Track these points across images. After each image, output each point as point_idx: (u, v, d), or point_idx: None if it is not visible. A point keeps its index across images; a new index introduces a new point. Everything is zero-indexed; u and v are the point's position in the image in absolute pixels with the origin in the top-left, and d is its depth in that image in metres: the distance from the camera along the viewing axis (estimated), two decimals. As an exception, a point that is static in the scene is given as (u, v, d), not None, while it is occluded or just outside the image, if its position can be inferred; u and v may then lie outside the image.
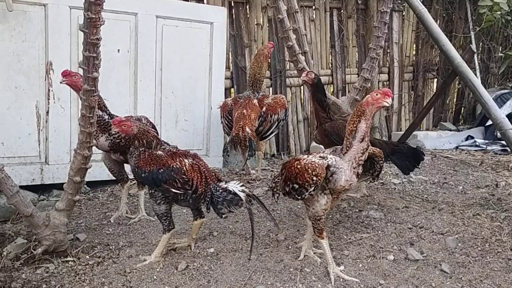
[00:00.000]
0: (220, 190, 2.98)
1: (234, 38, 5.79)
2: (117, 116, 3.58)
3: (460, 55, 5.43)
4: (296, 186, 2.84)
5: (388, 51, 7.23)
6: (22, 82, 4.16)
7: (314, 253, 3.16)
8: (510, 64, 8.01)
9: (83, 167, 2.99)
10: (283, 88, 6.18)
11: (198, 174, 2.97)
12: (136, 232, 3.51)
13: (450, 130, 7.66)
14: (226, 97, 5.58)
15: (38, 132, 4.29)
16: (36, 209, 2.99)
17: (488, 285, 2.88)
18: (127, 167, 3.84)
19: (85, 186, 4.38)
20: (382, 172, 3.58)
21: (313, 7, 6.44)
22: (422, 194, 4.54)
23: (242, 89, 5.77)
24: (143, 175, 2.97)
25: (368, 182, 3.40)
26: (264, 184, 4.66)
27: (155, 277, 2.88)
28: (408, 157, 3.93)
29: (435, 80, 7.93)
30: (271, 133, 4.75)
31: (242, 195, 2.94)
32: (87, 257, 3.10)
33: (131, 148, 3.08)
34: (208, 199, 2.97)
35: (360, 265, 3.08)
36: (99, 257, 3.11)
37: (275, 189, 3.19)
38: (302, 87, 6.34)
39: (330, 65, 6.72)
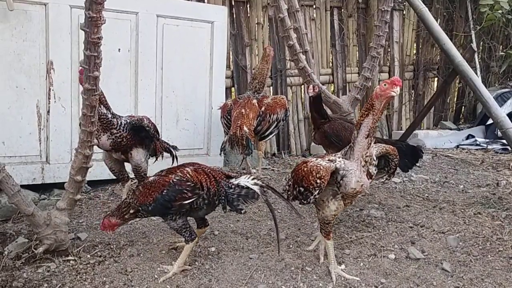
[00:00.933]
0: (233, 187, 2.91)
1: (234, 37, 5.79)
2: (119, 116, 3.58)
3: (461, 54, 5.44)
4: (302, 189, 2.81)
5: (389, 50, 7.23)
6: (23, 81, 4.16)
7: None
8: (510, 63, 8.01)
9: (84, 166, 2.99)
10: (284, 87, 6.18)
11: (205, 176, 2.89)
12: (137, 231, 3.51)
13: (451, 129, 7.66)
14: (226, 96, 5.59)
15: (39, 131, 4.29)
16: (37, 208, 2.99)
17: (489, 283, 2.88)
18: (127, 166, 3.86)
19: (86, 185, 4.37)
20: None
21: (314, 6, 6.44)
22: (423, 193, 4.55)
23: (243, 88, 5.78)
24: (150, 208, 2.85)
25: (384, 180, 3.37)
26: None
27: (156, 276, 2.88)
28: (407, 155, 3.93)
29: (436, 79, 7.93)
30: (270, 133, 4.73)
31: (256, 188, 2.89)
32: (88, 256, 3.10)
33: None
34: (223, 198, 2.89)
35: (361, 264, 3.08)
36: (100, 256, 3.11)
37: (289, 192, 3.08)
38: (302, 86, 6.34)
39: (331, 64, 6.72)
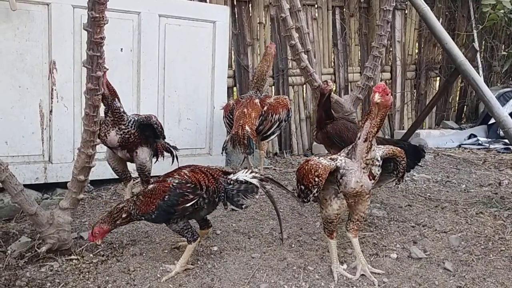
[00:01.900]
0: (232, 182, 2.91)
1: (236, 37, 5.79)
2: (125, 113, 3.57)
3: (463, 54, 5.43)
4: (303, 187, 2.83)
5: (391, 49, 7.22)
6: (25, 81, 4.17)
7: (371, 272, 2.95)
8: (513, 63, 8.01)
9: (87, 166, 3.00)
10: (286, 87, 6.18)
11: (202, 174, 2.90)
12: (140, 231, 3.52)
13: (453, 128, 7.65)
14: (228, 96, 5.59)
15: (42, 131, 4.30)
16: (40, 207, 3.00)
17: (491, 283, 2.89)
18: (130, 166, 3.86)
19: (89, 185, 4.38)
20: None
21: (316, 5, 6.44)
22: (425, 193, 4.55)
23: (245, 88, 5.78)
24: (154, 216, 2.84)
25: (394, 184, 3.34)
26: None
27: (158, 275, 2.89)
28: (409, 155, 3.91)
29: (438, 78, 7.92)
30: (272, 133, 4.71)
31: (255, 181, 2.89)
32: (91, 255, 3.11)
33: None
34: (223, 195, 2.89)
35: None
36: (103, 256, 3.12)
37: (296, 192, 3.09)
38: (304, 85, 6.34)
39: (333, 64, 6.71)
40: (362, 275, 2.91)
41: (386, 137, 6.94)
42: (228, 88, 5.54)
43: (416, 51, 7.69)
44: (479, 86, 5.05)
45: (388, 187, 4.64)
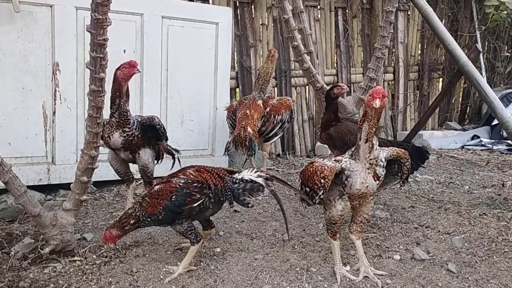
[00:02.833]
0: (238, 181, 2.90)
1: (239, 38, 5.79)
2: (131, 116, 3.56)
3: (466, 55, 5.42)
4: (308, 189, 2.82)
5: (393, 50, 7.22)
6: (29, 82, 4.18)
7: (374, 274, 2.94)
8: (516, 64, 7.99)
9: (90, 167, 3.01)
10: (288, 88, 6.18)
11: (208, 174, 2.90)
12: (143, 232, 3.52)
13: (456, 129, 7.64)
14: (231, 97, 5.60)
15: (45, 132, 4.31)
16: (43, 209, 3.01)
17: (495, 284, 2.88)
18: (132, 167, 3.86)
19: (92, 186, 4.39)
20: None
21: (318, 6, 6.44)
22: (428, 194, 4.54)
23: (247, 89, 5.78)
24: (160, 217, 2.82)
25: (399, 186, 3.33)
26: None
27: (161, 276, 2.89)
28: (413, 156, 3.90)
29: (441, 79, 7.91)
30: (275, 134, 4.72)
31: (260, 180, 2.88)
32: (94, 256, 3.12)
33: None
34: (229, 194, 2.88)
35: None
36: (106, 257, 3.12)
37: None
38: (307, 87, 6.34)
39: (335, 65, 6.71)
40: (365, 276, 2.90)
41: (389, 138, 6.93)
42: (231, 89, 5.55)
43: (419, 52, 7.69)
44: (482, 87, 5.03)
45: (391, 189, 4.63)
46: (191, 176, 2.86)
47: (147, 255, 3.15)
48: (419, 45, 7.67)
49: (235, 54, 5.76)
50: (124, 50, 4.56)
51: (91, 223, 3.76)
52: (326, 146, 4.47)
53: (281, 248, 3.31)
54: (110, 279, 2.84)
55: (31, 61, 4.17)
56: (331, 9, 6.53)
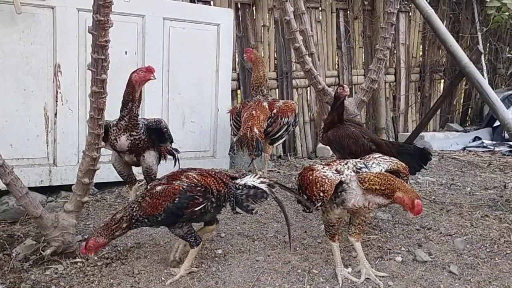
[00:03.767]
0: (241, 187, 2.87)
1: (240, 39, 5.80)
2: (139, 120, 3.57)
3: (467, 56, 5.42)
4: (305, 197, 2.81)
5: (395, 52, 7.21)
6: (30, 84, 4.18)
7: (375, 275, 2.92)
8: (517, 65, 7.98)
9: (91, 169, 3.01)
10: (290, 90, 6.18)
11: (212, 178, 2.86)
12: (144, 233, 3.52)
13: (457, 131, 7.63)
14: (232, 98, 5.60)
15: (46, 133, 4.31)
16: (45, 210, 3.01)
17: (497, 286, 2.87)
18: (134, 169, 3.86)
19: (93, 187, 4.38)
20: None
21: (320, 8, 6.44)
22: (429, 195, 4.53)
23: (249, 90, 5.77)
24: (160, 218, 2.77)
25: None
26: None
27: (163, 278, 2.89)
28: (415, 158, 3.90)
29: (442, 81, 7.91)
30: (280, 137, 4.70)
31: (263, 186, 2.85)
32: (96, 258, 3.11)
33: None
34: (232, 199, 2.85)
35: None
36: (107, 258, 3.12)
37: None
38: (308, 88, 6.34)
39: (337, 66, 6.72)
40: (367, 278, 2.90)
41: (391, 139, 6.93)
42: (232, 90, 5.55)
43: (420, 53, 7.68)
44: (484, 89, 5.03)
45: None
46: (194, 180, 2.83)
47: (148, 257, 3.15)
48: (421, 46, 7.66)
49: (237, 55, 5.76)
50: (126, 52, 4.57)
51: (93, 224, 3.76)
52: (328, 147, 4.47)
53: (283, 249, 3.31)
54: (112, 280, 2.84)
55: (33, 62, 4.18)
56: (332, 11, 6.53)
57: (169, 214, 2.77)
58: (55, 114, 4.31)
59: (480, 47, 6.90)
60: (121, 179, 3.93)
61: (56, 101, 4.30)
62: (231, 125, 4.82)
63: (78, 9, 4.26)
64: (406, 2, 7.11)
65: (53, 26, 4.22)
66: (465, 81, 7.64)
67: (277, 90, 6.12)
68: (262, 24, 5.95)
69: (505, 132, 6.64)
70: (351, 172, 2.75)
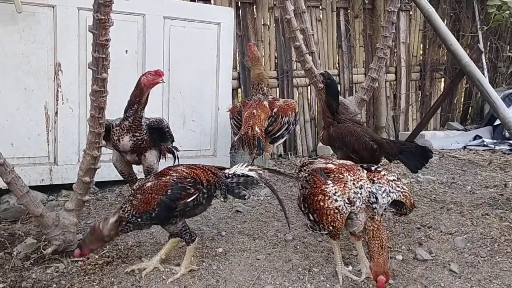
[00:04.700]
0: (231, 176, 2.93)
1: (241, 38, 5.79)
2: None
3: (468, 55, 5.41)
4: (312, 218, 2.76)
5: (395, 51, 7.21)
6: (31, 83, 4.19)
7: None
8: (518, 64, 7.97)
9: (92, 167, 3.01)
10: (290, 88, 6.18)
11: (200, 170, 2.92)
12: (145, 232, 3.52)
13: (458, 129, 7.62)
14: (233, 97, 5.60)
15: (47, 132, 4.31)
16: (46, 209, 3.01)
17: (497, 285, 2.88)
18: (135, 167, 3.87)
19: (94, 186, 4.38)
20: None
21: (320, 7, 6.43)
22: (430, 194, 4.53)
23: (249, 89, 5.78)
24: (154, 214, 2.76)
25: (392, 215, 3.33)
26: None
27: (163, 277, 2.89)
28: (416, 156, 3.90)
29: (443, 79, 7.90)
30: (281, 136, 4.71)
31: (253, 173, 2.92)
32: (96, 257, 3.12)
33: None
34: (224, 188, 2.89)
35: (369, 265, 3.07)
36: (108, 257, 3.13)
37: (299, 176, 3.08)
38: (309, 87, 6.34)
39: (337, 65, 6.71)
40: (368, 277, 2.90)
41: (391, 138, 6.93)
42: (232, 89, 5.55)
43: (421, 52, 7.67)
44: (485, 87, 5.03)
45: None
46: (183, 173, 2.87)
47: (149, 255, 3.15)
48: (421, 45, 7.65)
49: (237, 54, 5.76)
50: (126, 51, 4.57)
51: (93, 223, 3.75)
52: (328, 147, 4.46)
53: (283, 248, 3.31)
54: (113, 279, 2.85)
55: (33, 61, 4.18)
56: (333, 10, 6.53)
57: (162, 208, 2.76)
58: (56, 113, 4.32)
59: (481, 45, 6.90)
60: (122, 178, 3.93)
61: (57, 100, 4.31)
62: (231, 124, 4.82)
63: (78, 8, 4.26)
64: (406, 0, 7.10)
65: (54, 25, 4.22)
66: (466, 80, 7.63)
67: (277, 89, 6.11)
68: (262, 23, 5.94)
69: (506, 131, 6.65)
70: (362, 204, 2.70)
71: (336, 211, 2.66)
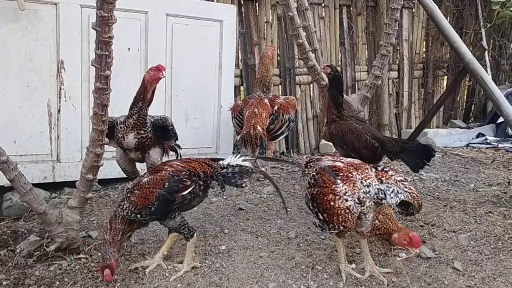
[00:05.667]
0: (226, 166, 3.00)
1: (243, 36, 5.78)
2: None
3: (471, 52, 5.39)
4: (321, 217, 2.75)
5: (398, 48, 7.19)
6: (34, 80, 4.19)
7: (379, 272, 2.92)
8: (521, 61, 7.95)
9: (95, 165, 3.01)
10: (293, 86, 6.17)
11: (195, 162, 2.96)
12: (148, 230, 3.52)
13: (461, 127, 7.61)
14: (235, 95, 5.59)
15: (50, 130, 4.31)
16: (49, 206, 3.01)
17: (501, 282, 2.87)
18: (138, 165, 3.86)
19: (96, 184, 4.40)
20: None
21: (323, 4, 6.42)
22: (433, 192, 4.52)
23: (252, 87, 5.77)
24: (153, 208, 2.75)
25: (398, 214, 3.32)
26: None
27: (167, 274, 2.89)
28: (418, 155, 3.88)
29: (445, 77, 7.88)
30: (282, 133, 4.73)
31: (247, 163, 3.02)
32: (99, 254, 3.11)
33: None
34: (220, 178, 2.95)
35: (372, 262, 3.07)
36: (111, 254, 3.12)
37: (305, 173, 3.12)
38: (311, 84, 6.33)
39: (340, 63, 6.69)
40: (371, 275, 2.89)
41: (394, 136, 6.91)
42: (235, 87, 5.54)
43: (424, 49, 7.65)
44: (488, 85, 5.01)
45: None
46: (178, 167, 2.89)
47: (152, 253, 3.15)
48: (424, 42, 7.63)
49: (240, 52, 5.75)
50: (129, 48, 4.56)
51: (96, 221, 3.77)
52: (331, 144, 4.45)
53: (286, 246, 3.31)
54: (116, 276, 2.84)
55: (36, 59, 4.18)
56: (335, 7, 6.51)
57: (161, 202, 2.76)
58: (59, 110, 4.31)
59: (484, 43, 6.85)
60: (125, 176, 3.94)
61: (60, 98, 4.30)
62: (233, 123, 4.83)
63: (81, 5, 4.25)
64: (409, -2, 7.09)
65: (56, 22, 4.22)
66: (469, 78, 7.62)
67: (280, 86, 6.10)
68: (265, 21, 5.93)
69: (509, 129, 6.64)
70: (371, 203, 2.70)
71: (347, 211, 2.64)
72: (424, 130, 6.53)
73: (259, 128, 4.44)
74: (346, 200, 2.67)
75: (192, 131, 5.06)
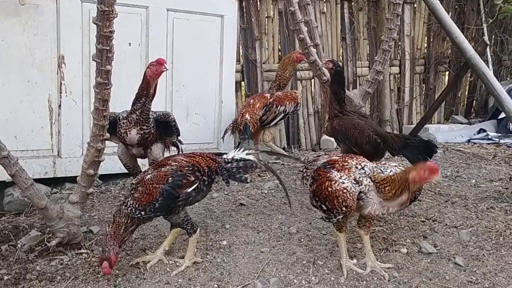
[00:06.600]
0: (230, 161, 2.99)
1: (244, 31, 5.76)
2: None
3: (473, 48, 5.38)
4: (324, 208, 2.78)
5: (400, 43, 7.17)
6: (34, 75, 4.18)
7: (381, 267, 2.92)
8: (523, 56, 7.93)
9: (96, 160, 3.01)
10: (294, 81, 6.15)
11: (199, 157, 2.94)
12: (149, 225, 3.51)
13: (462, 123, 7.60)
14: (236, 90, 5.57)
15: (51, 125, 4.31)
16: (50, 201, 3.01)
17: (502, 278, 2.87)
18: (139, 160, 3.86)
19: (97, 179, 4.38)
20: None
21: (324, -1, 6.40)
22: (434, 188, 4.51)
23: (253, 82, 5.77)
24: (157, 204, 2.73)
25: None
26: (275, 177, 4.65)
27: (168, 269, 2.89)
28: (420, 150, 3.86)
29: (447, 73, 7.86)
30: (275, 124, 4.98)
31: (251, 157, 3.00)
32: (101, 249, 3.11)
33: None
34: (225, 173, 2.94)
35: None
36: (112, 250, 3.12)
37: (305, 176, 3.16)
38: (312, 80, 6.32)
39: (341, 58, 6.67)
40: (373, 270, 2.89)
41: (395, 132, 6.90)
42: (236, 82, 5.53)
43: (425, 45, 7.63)
44: (489, 80, 5.00)
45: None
46: (182, 162, 2.88)
47: (153, 248, 3.15)
48: (426, 38, 7.61)
49: (241, 47, 5.73)
50: (129, 43, 4.55)
51: (97, 216, 3.77)
52: (332, 140, 4.45)
53: (288, 241, 3.31)
54: (117, 271, 2.85)
55: (37, 54, 4.17)
56: (337, 2, 6.48)
57: (165, 197, 2.74)
58: (59, 105, 4.31)
59: (486, 38, 6.84)
60: (126, 171, 3.93)
61: (60, 93, 4.30)
62: None
63: (81, 0, 4.24)
64: (411, -7, 7.06)
65: (57, 17, 4.20)
66: (470, 73, 7.60)
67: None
68: (266, 16, 5.91)
69: (510, 124, 6.62)
70: (369, 181, 2.72)
71: (345, 191, 2.69)
72: (425, 126, 6.52)
73: (247, 116, 4.74)
74: (343, 183, 2.72)
75: (193, 127, 5.05)
